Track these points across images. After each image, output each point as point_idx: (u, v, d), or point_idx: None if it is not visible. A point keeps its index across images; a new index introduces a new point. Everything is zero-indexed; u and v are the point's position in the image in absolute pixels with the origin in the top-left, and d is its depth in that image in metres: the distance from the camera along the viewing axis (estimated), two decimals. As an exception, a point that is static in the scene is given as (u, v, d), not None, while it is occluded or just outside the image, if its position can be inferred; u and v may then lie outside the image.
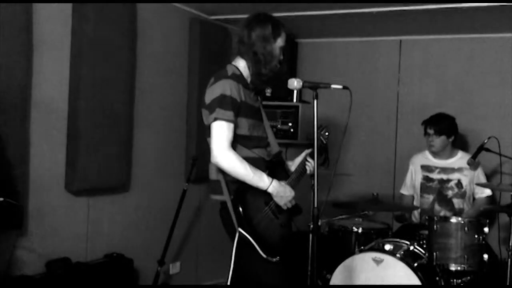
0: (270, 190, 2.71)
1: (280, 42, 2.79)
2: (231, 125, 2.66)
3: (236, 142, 2.72)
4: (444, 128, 4.22)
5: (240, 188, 2.70)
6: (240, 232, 2.61)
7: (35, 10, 3.28)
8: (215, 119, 2.64)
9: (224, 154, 2.64)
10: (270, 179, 2.71)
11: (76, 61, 3.54)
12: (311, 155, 2.89)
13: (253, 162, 2.72)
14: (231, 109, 2.66)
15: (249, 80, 2.81)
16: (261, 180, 2.69)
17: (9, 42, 3.09)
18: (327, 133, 2.97)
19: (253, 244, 2.62)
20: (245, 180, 2.67)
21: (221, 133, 2.64)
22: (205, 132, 2.80)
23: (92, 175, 3.64)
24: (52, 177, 3.50)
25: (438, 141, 4.23)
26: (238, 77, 2.76)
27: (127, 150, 3.98)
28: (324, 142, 2.99)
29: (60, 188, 3.54)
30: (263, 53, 2.74)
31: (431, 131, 4.25)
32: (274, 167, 2.86)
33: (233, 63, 2.83)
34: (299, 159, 2.98)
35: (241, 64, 2.81)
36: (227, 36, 4.77)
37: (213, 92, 2.70)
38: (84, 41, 3.55)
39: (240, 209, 2.64)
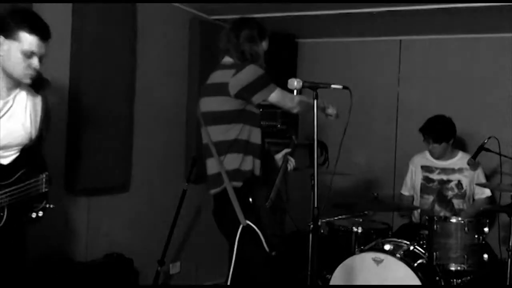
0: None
1: (264, 45, 2.91)
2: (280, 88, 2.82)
3: (247, 121, 2.80)
4: (443, 135, 4.17)
5: (247, 180, 2.74)
6: (247, 225, 2.62)
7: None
8: (272, 92, 2.80)
9: (298, 103, 2.87)
10: (297, 96, 2.91)
11: (76, 61, 3.54)
12: (290, 154, 3.05)
13: (255, 148, 2.81)
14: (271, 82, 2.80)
15: None
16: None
17: (9, 42, 3.08)
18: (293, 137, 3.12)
19: (259, 237, 2.64)
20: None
21: (283, 93, 2.84)
22: (204, 120, 2.84)
23: (92, 175, 3.64)
24: (52, 177, 3.48)
25: (439, 148, 4.21)
26: None
27: (127, 150, 3.97)
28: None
29: (60, 188, 3.53)
30: (250, 53, 2.84)
31: (430, 140, 4.22)
32: (267, 158, 2.92)
33: (223, 63, 2.89)
34: (279, 156, 3.09)
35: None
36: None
37: (244, 77, 2.75)
38: (84, 41, 3.55)
39: (250, 199, 2.68)
